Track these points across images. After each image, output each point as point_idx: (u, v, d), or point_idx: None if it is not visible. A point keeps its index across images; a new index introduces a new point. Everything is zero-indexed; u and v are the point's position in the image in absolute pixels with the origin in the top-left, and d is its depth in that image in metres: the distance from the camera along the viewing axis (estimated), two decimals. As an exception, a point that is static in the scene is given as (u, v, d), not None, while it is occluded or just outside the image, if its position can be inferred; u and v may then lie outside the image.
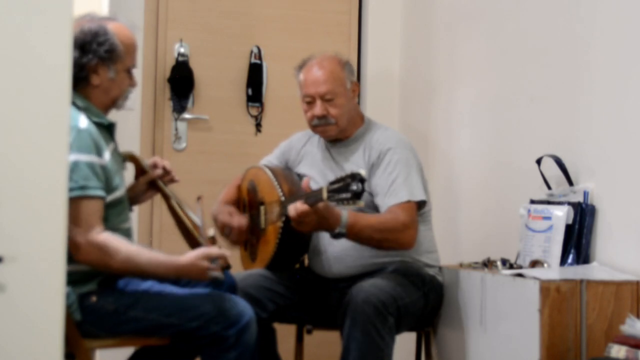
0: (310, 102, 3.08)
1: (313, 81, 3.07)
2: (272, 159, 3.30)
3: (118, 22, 2.66)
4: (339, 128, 3.09)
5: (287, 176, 3.11)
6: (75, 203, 2.44)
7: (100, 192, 2.51)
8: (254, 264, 3.16)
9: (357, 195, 2.50)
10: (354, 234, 2.82)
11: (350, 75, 3.13)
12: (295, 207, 2.69)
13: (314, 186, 3.11)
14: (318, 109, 3.05)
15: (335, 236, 2.82)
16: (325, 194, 2.59)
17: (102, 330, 2.56)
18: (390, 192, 2.95)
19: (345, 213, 2.78)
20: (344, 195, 2.53)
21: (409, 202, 2.94)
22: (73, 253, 2.47)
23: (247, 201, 3.20)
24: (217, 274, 2.56)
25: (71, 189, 2.44)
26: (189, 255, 2.55)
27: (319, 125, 3.09)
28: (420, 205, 3.01)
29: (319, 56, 3.14)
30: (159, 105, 4.06)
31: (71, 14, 1.93)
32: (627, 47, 2.62)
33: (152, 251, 2.60)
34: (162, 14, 4.07)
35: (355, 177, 2.50)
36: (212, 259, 2.55)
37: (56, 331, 1.89)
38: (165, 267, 2.54)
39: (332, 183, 2.57)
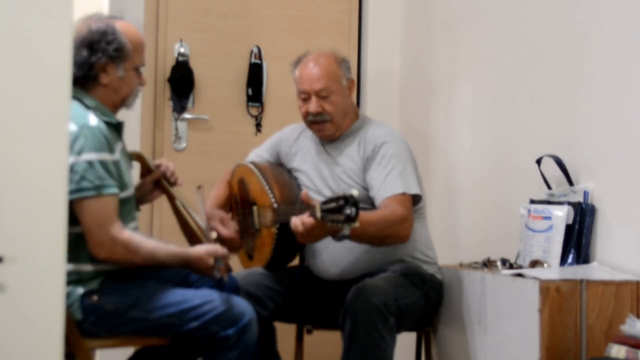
0: (305, 98, 3.07)
1: (308, 77, 3.06)
2: (261, 152, 3.28)
3: (125, 22, 2.67)
4: (335, 126, 3.08)
5: (278, 177, 3.07)
6: (93, 203, 2.46)
7: (115, 190, 2.53)
8: (251, 262, 3.16)
9: (350, 219, 2.48)
10: (357, 235, 2.80)
11: (346, 72, 3.12)
12: (303, 221, 2.64)
13: (306, 181, 3.10)
14: (313, 105, 3.04)
15: (339, 239, 2.81)
16: (318, 213, 2.56)
17: (103, 330, 2.56)
18: (386, 185, 2.94)
19: None
20: (337, 217, 2.50)
21: (404, 194, 2.93)
22: (96, 252, 2.50)
23: (239, 199, 3.18)
24: (220, 274, 2.60)
25: (87, 189, 2.46)
26: (199, 249, 2.62)
27: (314, 122, 3.07)
28: (415, 200, 3.00)
29: (315, 53, 3.13)
30: (159, 105, 4.06)
31: (71, 14, 1.93)
32: (627, 47, 2.62)
33: (165, 244, 2.65)
34: (162, 14, 4.07)
35: (349, 199, 2.47)
36: (217, 257, 2.60)
37: (56, 331, 1.88)
38: (180, 259, 2.61)
39: (326, 202, 2.54)
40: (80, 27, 2.57)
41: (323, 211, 2.54)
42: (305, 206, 2.66)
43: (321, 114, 3.05)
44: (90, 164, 2.47)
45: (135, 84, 2.69)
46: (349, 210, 2.48)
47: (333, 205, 2.51)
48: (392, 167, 2.97)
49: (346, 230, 2.74)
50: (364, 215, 2.83)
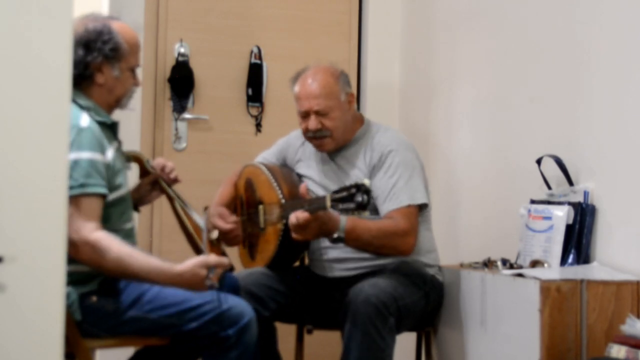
0: (304, 116, 3.07)
1: (307, 96, 3.03)
2: (269, 156, 3.28)
3: (122, 22, 2.67)
4: (334, 141, 3.06)
5: (286, 176, 3.09)
6: (74, 201, 2.44)
7: (101, 189, 2.50)
8: (253, 262, 3.16)
9: (362, 207, 2.49)
10: (352, 239, 2.81)
11: (345, 87, 3.08)
12: (297, 216, 2.68)
13: (313, 187, 3.10)
14: (312, 123, 3.03)
15: (334, 241, 2.81)
16: (328, 203, 2.58)
17: (103, 330, 2.56)
18: (391, 197, 2.94)
19: (344, 218, 2.77)
20: (348, 205, 2.52)
21: (409, 206, 2.93)
22: (69, 251, 2.46)
23: (245, 199, 3.19)
24: (213, 283, 2.50)
25: (71, 187, 2.44)
26: (187, 263, 2.49)
27: (313, 137, 3.07)
28: (422, 207, 3.01)
29: (312, 68, 3.09)
30: (159, 105, 4.06)
31: (71, 14, 1.93)
32: (627, 47, 2.62)
33: (147, 255, 2.55)
34: (162, 14, 4.07)
35: (360, 187, 2.49)
36: (210, 267, 2.49)
37: (56, 331, 1.88)
38: (159, 273, 2.47)
39: (336, 192, 2.56)
40: (77, 27, 2.57)
41: (334, 200, 2.56)
42: (315, 198, 2.67)
43: (321, 130, 3.04)
44: (76, 162, 2.46)
45: (130, 84, 2.69)
46: (360, 198, 2.49)
47: (344, 194, 2.53)
48: (399, 176, 2.97)
49: (341, 232, 2.75)
50: (362, 221, 2.83)
